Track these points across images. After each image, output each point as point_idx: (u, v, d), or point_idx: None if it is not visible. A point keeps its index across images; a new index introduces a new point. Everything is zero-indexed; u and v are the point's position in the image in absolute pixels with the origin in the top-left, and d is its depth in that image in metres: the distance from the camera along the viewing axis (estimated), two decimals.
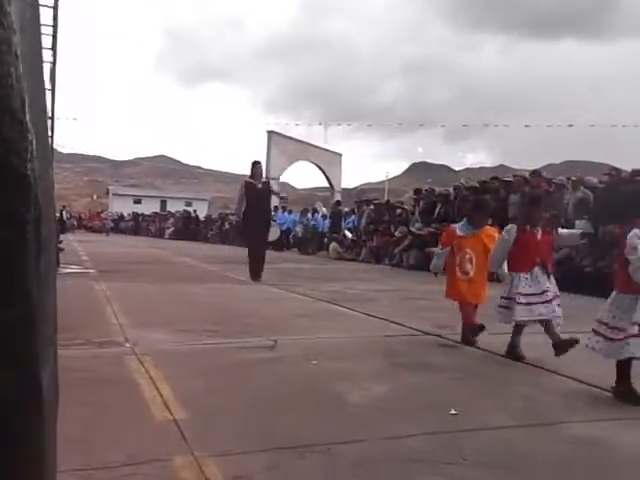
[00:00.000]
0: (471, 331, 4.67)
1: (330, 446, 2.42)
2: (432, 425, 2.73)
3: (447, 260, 5.02)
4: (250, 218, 9.87)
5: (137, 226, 44.06)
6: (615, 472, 2.34)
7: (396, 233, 14.58)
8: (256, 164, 10.15)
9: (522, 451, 2.47)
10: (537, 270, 4.23)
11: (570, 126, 45.62)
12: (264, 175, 10.40)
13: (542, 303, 4.20)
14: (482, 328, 4.62)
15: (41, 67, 1.78)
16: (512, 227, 4.37)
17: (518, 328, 4.32)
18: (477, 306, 4.87)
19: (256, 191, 9.78)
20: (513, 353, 4.25)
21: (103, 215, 48.78)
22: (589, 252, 9.32)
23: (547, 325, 4.23)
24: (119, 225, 46.49)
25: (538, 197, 5.01)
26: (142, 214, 46.03)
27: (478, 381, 3.61)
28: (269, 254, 20.73)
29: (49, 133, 10.07)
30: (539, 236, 4.29)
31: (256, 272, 9.73)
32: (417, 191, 15.71)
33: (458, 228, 4.98)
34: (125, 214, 48.77)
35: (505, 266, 4.46)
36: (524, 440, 2.61)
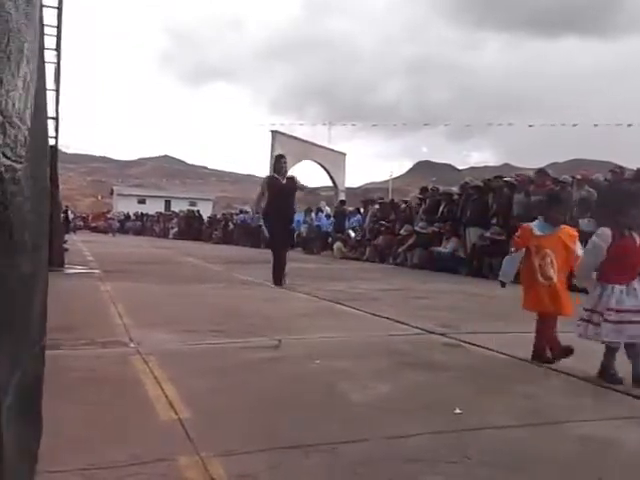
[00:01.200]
0: (561, 354, 3.99)
1: (334, 446, 2.42)
2: (436, 424, 2.73)
3: (522, 265, 4.38)
4: (273, 217, 9.03)
5: (143, 226, 43.98)
6: (621, 471, 2.34)
7: (402, 231, 14.54)
8: (280, 158, 9.40)
9: (526, 450, 2.47)
10: (637, 283, 3.57)
11: (574, 125, 45.43)
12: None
13: (636, 323, 3.49)
14: (571, 351, 3.96)
15: (43, 66, 1.78)
16: (604, 231, 3.64)
17: (610, 350, 3.62)
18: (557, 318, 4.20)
19: (280, 188, 8.93)
20: (607, 376, 3.56)
21: (109, 215, 48.64)
22: None
23: (634, 349, 3.55)
24: (124, 225, 46.17)
25: (636, 193, 4.00)
26: (146, 214, 46.06)
27: (482, 380, 3.61)
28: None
29: (53, 134, 10.12)
30: (638, 241, 3.61)
31: (279, 276, 8.92)
32: (423, 190, 15.67)
33: (535, 226, 4.27)
34: (131, 214, 48.55)
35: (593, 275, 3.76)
36: (528, 439, 2.60)
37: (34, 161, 1.47)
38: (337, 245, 18.78)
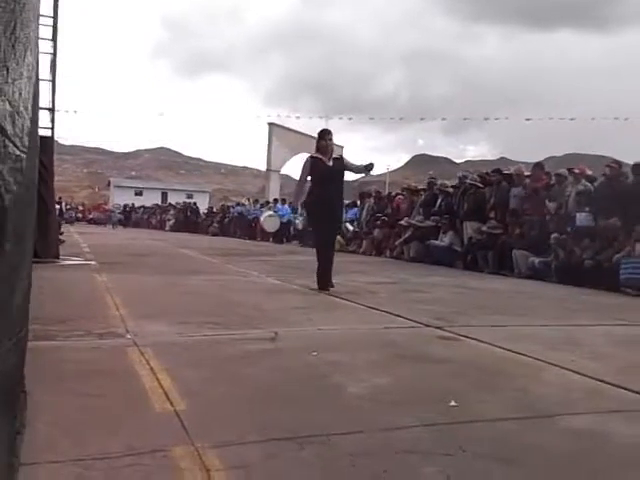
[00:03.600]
0: None
1: (329, 437, 2.43)
2: (431, 417, 2.74)
3: None
4: (317, 209, 7.44)
5: (141, 218, 43.33)
6: (614, 464, 2.35)
7: (402, 222, 14.48)
8: (326, 134, 7.45)
9: (521, 443, 2.48)
10: None
11: (572, 119, 45.37)
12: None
13: None
14: None
15: (37, 55, 1.77)
16: None
17: None
18: None
19: (326, 171, 7.30)
20: None
21: (107, 207, 47.99)
22: (589, 245, 9.32)
23: None
24: (130, 217, 44.60)
25: None
26: (143, 206, 45.82)
27: (477, 373, 3.62)
28: (269, 246, 20.80)
29: (49, 125, 10.07)
30: None
31: (326, 279, 7.37)
32: (430, 184, 15.62)
33: None
34: (127, 205, 47.75)
35: None
36: (523, 432, 2.62)
37: (33, 151, 1.46)
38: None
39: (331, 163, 7.33)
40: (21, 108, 1.22)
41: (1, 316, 1.43)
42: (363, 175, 8.27)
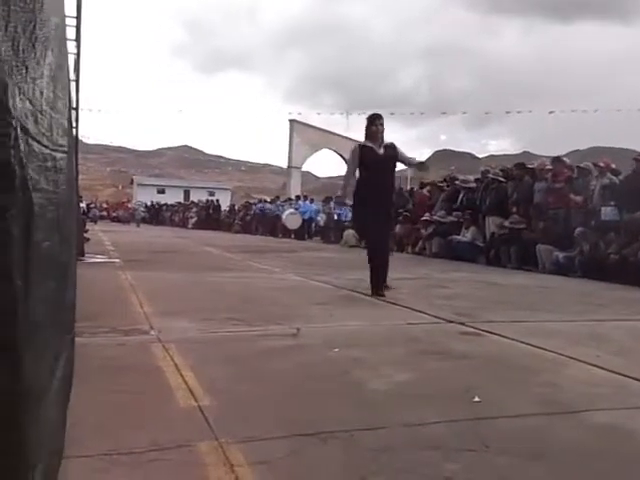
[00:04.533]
0: None
1: (352, 433, 2.44)
2: (454, 412, 2.73)
3: None
4: (367, 202, 6.64)
5: (164, 216, 43.17)
6: None
7: (424, 217, 14.38)
8: (376, 118, 6.74)
9: (545, 439, 2.46)
10: None
11: (595, 111, 44.68)
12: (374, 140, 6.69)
13: None
14: None
15: (66, 54, 1.79)
16: None
17: None
18: None
19: (376, 160, 6.56)
20: None
21: (131, 205, 48.10)
22: (614, 239, 9.20)
23: None
24: (159, 215, 44.24)
25: None
26: (165, 204, 46.04)
27: (501, 369, 3.60)
28: (291, 243, 20.84)
29: (74, 124, 10.20)
30: None
31: (379, 282, 6.67)
32: (444, 180, 15.63)
33: None
34: (154, 203, 47.43)
35: None
36: (547, 428, 2.60)
37: (67, 150, 1.48)
38: (347, 233, 18.54)
39: (382, 151, 6.61)
40: (44, 107, 1.23)
41: (60, 313, 1.46)
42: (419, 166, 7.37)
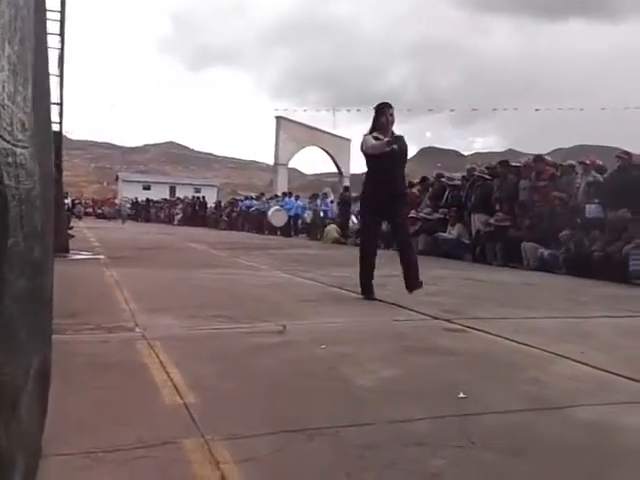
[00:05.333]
0: None
1: (338, 429, 2.43)
2: (440, 409, 2.74)
3: None
4: (375, 198, 6.19)
5: (149, 212, 42.81)
6: (625, 456, 2.34)
7: (411, 213, 14.37)
8: (386, 108, 6.16)
9: (531, 435, 2.48)
10: None
11: (581, 110, 45.08)
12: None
13: None
14: None
15: (46, 50, 1.77)
16: None
17: None
18: None
19: (387, 155, 5.93)
20: None
21: (117, 201, 47.68)
22: (598, 237, 9.27)
23: None
24: (141, 211, 43.78)
25: None
26: (152, 200, 45.76)
27: (486, 365, 3.62)
28: (277, 240, 20.81)
29: (57, 119, 10.11)
30: None
31: (370, 283, 6.25)
32: (423, 179, 15.65)
33: None
34: (147, 199, 46.59)
35: None
36: (533, 424, 2.61)
37: (39, 146, 1.46)
38: (328, 228, 18.54)
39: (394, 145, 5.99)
40: (6, 101, 1.22)
41: (35, 311, 1.44)
42: None
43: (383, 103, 6.21)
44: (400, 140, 6.09)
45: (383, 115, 6.11)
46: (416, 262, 6.31)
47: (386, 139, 5.88)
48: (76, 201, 42.05)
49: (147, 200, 45.65)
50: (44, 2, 1.67)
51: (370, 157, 6.09)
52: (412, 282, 6.17)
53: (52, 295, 1.68)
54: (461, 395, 2.92)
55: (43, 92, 1.65)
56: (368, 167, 6.23)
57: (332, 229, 18.33)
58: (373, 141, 5.99)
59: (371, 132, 6.12)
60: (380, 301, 6.04)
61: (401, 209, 6.43)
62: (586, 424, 2.63)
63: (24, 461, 1.33)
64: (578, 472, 2.19)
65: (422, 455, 2.23)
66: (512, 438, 2.43)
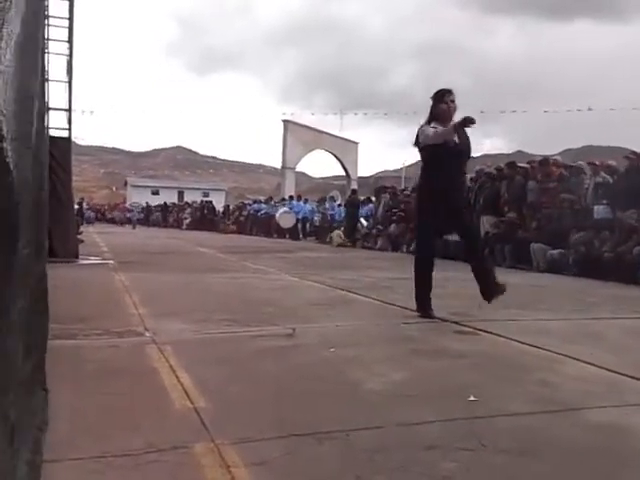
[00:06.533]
0: None
1: (347, 433, 2.43)
2: (450, 411, 2.73)
3: None
4: (432, 199, 5.28)
5: (164, 217, 42.50)
6: (636, 457, 2.33)
7: None
8: (446, 94, 5.31)
9: (542, 437, 2.46)
10: None
11: (590, 110, 44.79)
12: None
13: None
14: None
15: (35, 55, 1.78)
16: None
17: None
18: None
19: (450, 149, 5.17)
20: None
21: (127, 206, 47.69)
22: (608, 237, 9.22)
23: None
24: (150, 217, 43.74)
25: None
26: (165, 204, 45.66)
27: (496, 367, 3.61)
28: (285, 243, 20.79)
29: (66, 125, 10.14)
30: None
31: (428, 297, 5.35)
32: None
33: None
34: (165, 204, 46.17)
35: None
36: (544, 426, 2.60)
37: (29, 149, 1.47)
38: (335, 233, 18.90)
39: (456, 137, 5.22)
40: None
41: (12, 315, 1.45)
42: None
43: (443, 89, 5.37)
44: (463, 133, 5.28)
45: (442, 102, 5.26)
46: (492, 267, 5.60)
47: (452, 123, 5.13)
48: (86, 206, 42.07)
49: (167, 204, 44.87)
50: (40, 5, 1.68)
51: (429, 151, 5.25)
52: (493, 288, 5.31)
53: (46, 302, 1.68)
54: (471, 398, 2.91)
55: (28, 95, 1.65)
56: (425, 163, 5.44)
57: (336, 235, 18.67)
58: (432, 130, 5.21)
59: (429, 122, 5.31)
60: (389, 304, 6.03)
61: (467, 210, 5.63)
62: (597, 426, 2.61)
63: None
64: (591, 474, 2.18)
65: (433, 458, 2.22)
66: (523, 440, 2.42)
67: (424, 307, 5.29)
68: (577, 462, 2.27)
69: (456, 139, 5.19)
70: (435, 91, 5.39)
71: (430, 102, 5.37)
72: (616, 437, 2.49)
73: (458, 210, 5.34)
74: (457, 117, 5.24)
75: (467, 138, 5.33)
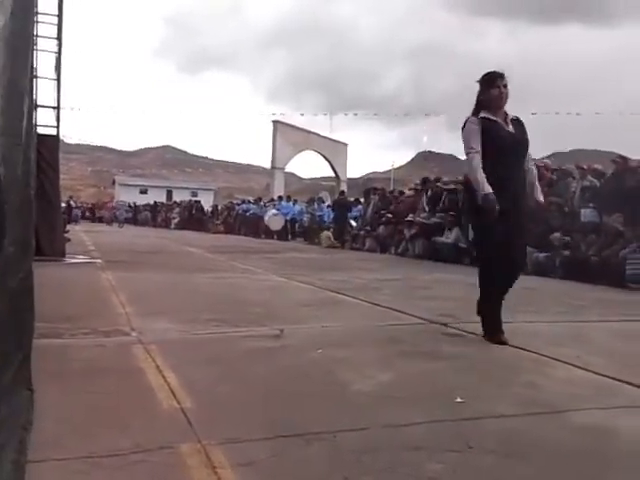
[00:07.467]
0: None
1: (335, 434, 2.43)
2: (437, 413, 2.74)
3: None
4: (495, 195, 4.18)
5: (153, 217, 42.25)
6: (621, 459, 2.34)
7: (408, 218, 14.41)
8: (498, 78, 4.41)
9: (528, 439, 2.48)
10: None
11: (578, 114, 45.07)
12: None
13: None
14: None
15: (25, 52, 1.77)
16: None
17: None
18: None
19: (505, 140, 4.36)
20: None
21: (114, 204, 47.42)
22: (594, 241, 9.29)
23: None
24: (137, 216, 43.54)
25: None
26: (148, 204, 45.51)
27: (483, 369, 3.62)
28: (274, 244, 20.75)
29: (54, 123, 10.07)
30: None
31: (495, 322, 4.44)
32: (424, 181, 15.67)
33: None
34: (155, 203, 45.89)
35: None
36: (530, 428, 2.61)
37: (19, 147, 1.47)
38: (324, 234, 19.10)
39: (510, 127, 4.43)
40: None
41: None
42: None
43: (493, 71, 4.46)
44: (518, 123, 4.51)
45: (494, 86, 4.39)
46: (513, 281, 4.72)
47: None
48: (73, 204, 41.71)
49: (156, 203, 44.56)
50: (29, 4, 1.67)
51: (484, 145, 4.36)
52: (497, 325, 4.47)
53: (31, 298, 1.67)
54: (458, 399, 2.92)
55: (18, 91, 1.64)
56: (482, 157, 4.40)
57: (325, 236, 18.82)
58: (475, 136, 4.37)
59: (476, 112, 4.45)
60: (377, 305, 6.03)
61: (527, 214, 4.68)
62: (584, 428, 2.63)
63: None
64: (576, 476, 2.20)
65: (419, 459, 2.23)
66: (509, 442, 2.43)
67: (495, 330, 4.41)
68: (563, 464, 2.28)
69: (509, 127, 4.44)
70: (483, 74, 4.50)
71: (477, 87, 4.52)
72: (601, 439, 2.50)
73: (516, 214, 4.37)
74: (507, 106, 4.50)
75: (526, 135, 4.55)
